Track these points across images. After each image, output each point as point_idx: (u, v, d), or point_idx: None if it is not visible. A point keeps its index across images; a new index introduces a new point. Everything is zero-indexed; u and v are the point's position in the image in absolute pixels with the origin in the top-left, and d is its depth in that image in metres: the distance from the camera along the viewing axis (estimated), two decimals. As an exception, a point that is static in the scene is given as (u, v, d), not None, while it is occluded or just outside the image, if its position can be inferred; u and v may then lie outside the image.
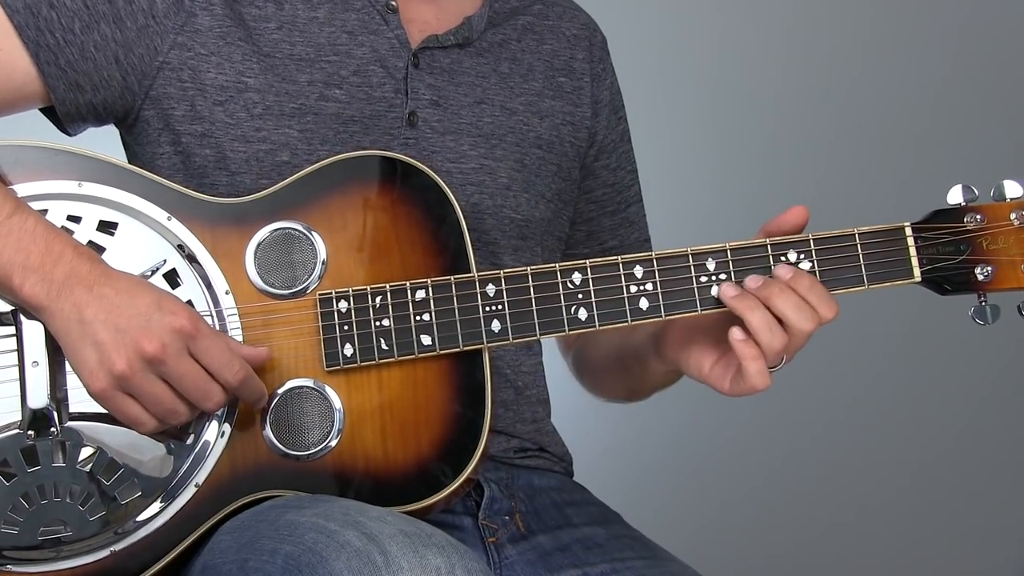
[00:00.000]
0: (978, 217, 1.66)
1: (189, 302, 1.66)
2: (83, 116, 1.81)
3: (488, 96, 1.90)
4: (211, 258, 1.69)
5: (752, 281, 1.66)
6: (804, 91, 3.69)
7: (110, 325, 1.55)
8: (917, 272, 1.68)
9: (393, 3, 1.88)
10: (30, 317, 1.61)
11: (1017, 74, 3.72)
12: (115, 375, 1.55)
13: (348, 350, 1.67)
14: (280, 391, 1.67)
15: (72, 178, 1.69)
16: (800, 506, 3.71)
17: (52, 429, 1.61)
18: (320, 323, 1.67)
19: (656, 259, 1.68)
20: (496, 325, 1.68)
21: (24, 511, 1.61)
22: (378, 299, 1.67)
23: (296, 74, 1.80)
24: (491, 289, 1.68)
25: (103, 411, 1.61)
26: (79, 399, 1.62)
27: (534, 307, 1.68)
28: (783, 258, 1.68)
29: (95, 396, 1.58)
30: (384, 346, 1.67)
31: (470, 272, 1.69)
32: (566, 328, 1.68)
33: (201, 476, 1.64)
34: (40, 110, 1.81)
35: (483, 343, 1.67)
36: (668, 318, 1.69)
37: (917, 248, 1.67)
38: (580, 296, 1.68)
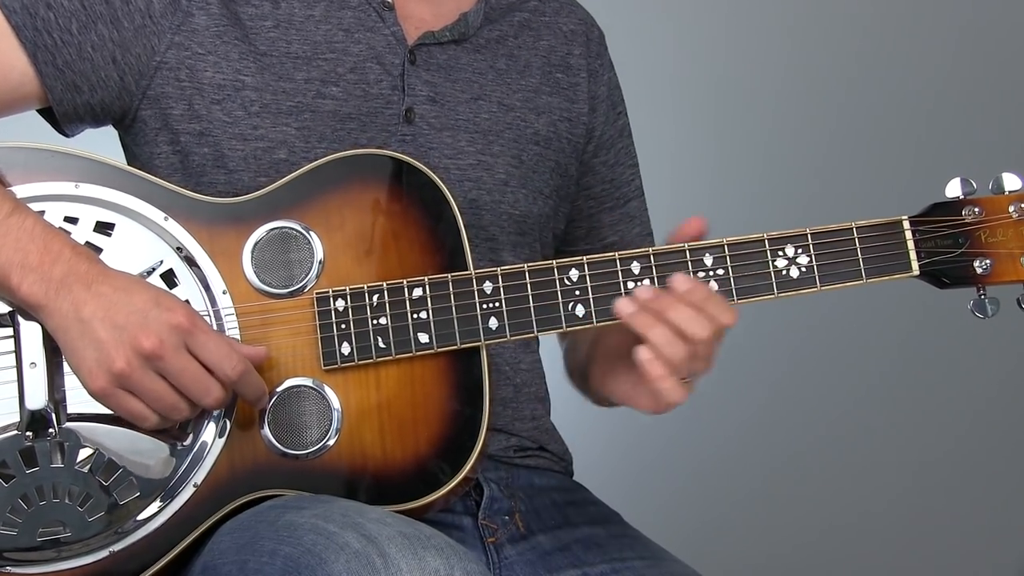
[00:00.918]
0: (976, 210, 1.67)
1: (186, 302, 1.66)
2: (80, 117, 1.81)
3: (485, 92, 1.91)
4: (208, 258, 1.69)
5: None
6: (802, 85, 3.69)
7: (108, 323, 1.55)
8: (915, 266, 1.68)
9: (389, 0, 1.88)
10: (28, 318, 1.61)
11: (1015, 68, 3.72)
12: (114, 373, 1.55)
13: (346, 349, 1.67)
14: (278, 390, 1.67)
15: (69, 179, 1.69)
16: (800, 506, 3.71)
17: (50, 430, 1.61)
18: (317, 322, 1.67)
19: (653, 255, 1.68)
20: (493, 322, 1.68)
21: (23, 512, 1.60)
22: (375, 297, 1.67)
23: (293, 72, 1.80)
24: (488, 286, 1.68)
25: (102, 412, 1.61)
26: (77, 400, 1.62)
27: (531, 304, 1.68)
28: (780, 252, 1.68)
29: (95, 394, 1.58)
30: (382, 344, 1.67)
31: (467, 270, 1.68)
32: (563, 325, 1.68)
33: (200, 476, 1.64)
34: (38, 111, 1.82)
35: (480, 340, 1.67)
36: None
37: (915, 242, 1.68)
38: (577, 292, 1.68)
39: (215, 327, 1.67)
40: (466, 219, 1.71)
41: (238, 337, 1.67)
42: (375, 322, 1.67)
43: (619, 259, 1.68)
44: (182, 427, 1.64)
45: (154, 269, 1.67)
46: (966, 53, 3.73)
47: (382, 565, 1.42)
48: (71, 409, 1.63)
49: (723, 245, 1.68)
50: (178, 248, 1.68)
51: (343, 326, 1.67)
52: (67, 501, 1.61)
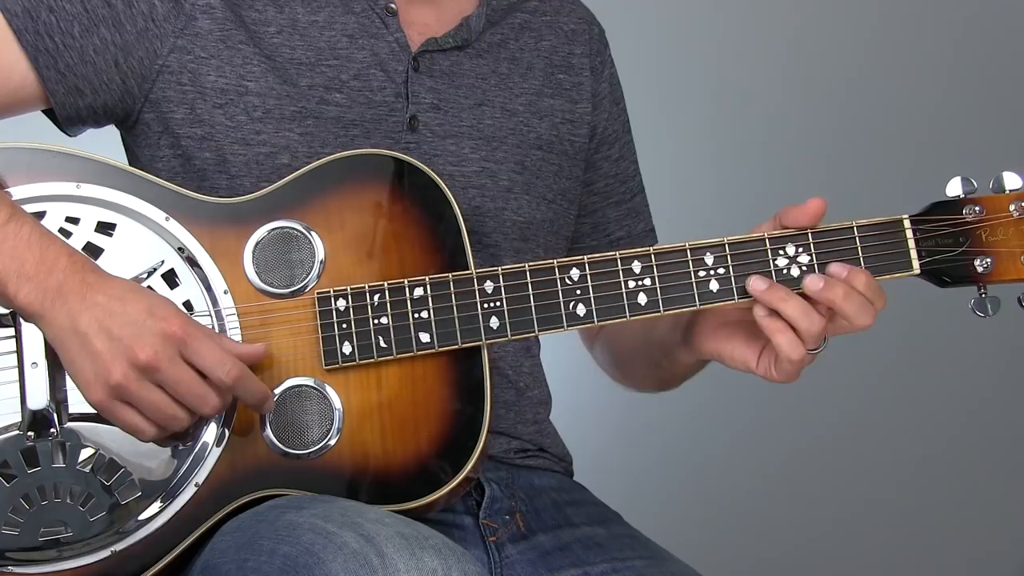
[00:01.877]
0: (977, 209, 1.67)
1: (188, 302, 1.67)
2: (83, 119, 1.81)
3: (488, 98, 1.90)
4: (209, 258, 1.69)
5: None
6: (803, 84, 3.69)
7: (103, 335, 1.55)
8: (916, 264, 1.68)
9: (392, 6, 1.87)
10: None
11: (1016, 67, 3.72)
12: (112, 385, 1.55)
13: (347, 348, 1.67)
14: (279, 390, 1.67)
15: (70, 179, 1.69)
16: (800, 506, 3.71)
17: (52, 430, 1.62)
18: (319, 322, 1.68)
19: (654, 254, 1.68)
20: (494, 322, 1.68)
21: (24, 512, 1.61)
22: (376, 297, 1.67)
23: (296, 78, 1.80)
24: (489, 286, 1.68)
25: (102, 412, 1.62)
26: (79, 400, 1.62)
27: (532, 303, 1.68)
28: (781, 252, 1.68)
29: (94, 406, 1.58)
30: (383, 344, 1.67)
31: (468, 269, 1.68)
32: (564, 324, 1.68)
33: (201, 476, 1.64)
34: (41, 111, 1.81)
35: (481, 340, 1.67)
36: (667, 313, 1.69)
37: (916, 240, 1.68)
38: (578, 292, 1.68)
39: (216, 327, 1.67)
40: (470, 227, 1.72)
41: (239, 337, 1.67)
42: (376, 322, 1.67)
43: (620, 258, 1.68)
44: (180, 433, 1.63)
45: (155, 269, 1.67)
46: (966, 53, 3.73)
47: (379, 565, 1.42)
48: (72, 409, 1.63)
49: (724, 244, 1.68)
50: (179, 248, 1.68)
51: (344, 326, 1.67)
52: (68, 501, 1.62)
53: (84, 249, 1.65)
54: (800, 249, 1.68)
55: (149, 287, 1.66)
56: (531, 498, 1.89)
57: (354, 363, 1.67)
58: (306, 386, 1.67)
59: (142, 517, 1.63)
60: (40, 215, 1.65)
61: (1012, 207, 1.66)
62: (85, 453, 1.62)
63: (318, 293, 1.68)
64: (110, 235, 1.68)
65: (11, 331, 1.64)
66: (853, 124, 3.71)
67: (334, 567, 1.43)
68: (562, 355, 2.24)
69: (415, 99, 1.85)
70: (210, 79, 1.78)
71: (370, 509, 1.56)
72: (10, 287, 1.57)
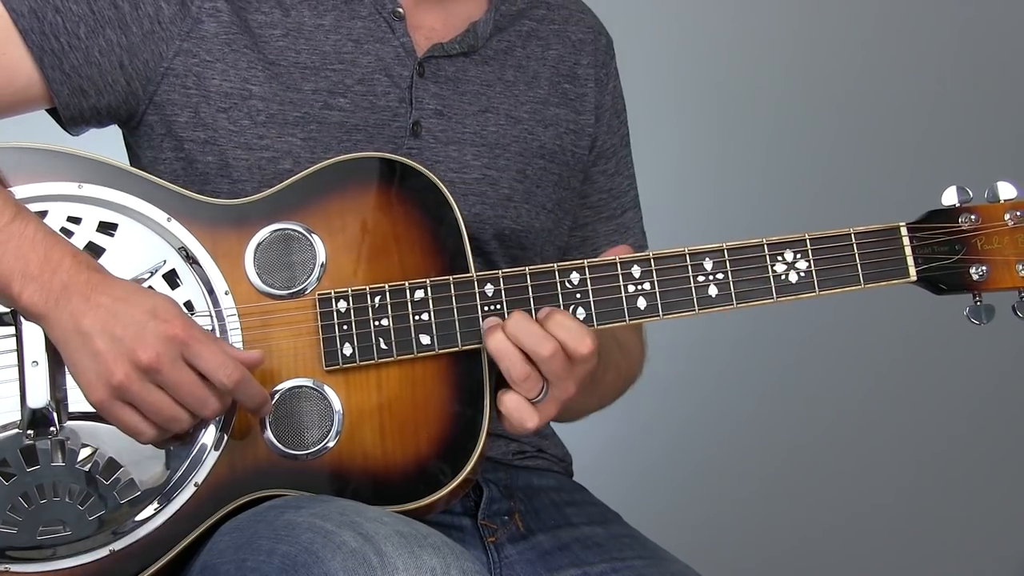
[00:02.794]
0: (972, 217, 1.67)
1: (188, 303, 1.67)
2: (86, 119, 1.81)
3: (493, 105, 1.90)
4: (211, 259, 1.69)
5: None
6: (801, 93, 3.70)
7: (106, 335, 1.56)
8: (913, 271, 1.68)
9: (400, 10, 1.87)
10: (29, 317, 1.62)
11: (1011, 76, 3.72)
12: (113, 385, 1.56)
13: (347, 350, 1.67)
14: (279, 391, 1.67)
15: (72, 179, 1.69)
16: (800, 506, 3.71)
17: (51, 429, 1.62)
18: (319, 323, 1.68)
19: (653, 259, 1.69)
20: (495, 324, 1.68)
21: (23, 511, 1.61)
22: (377, 299, 1.68)
23: (301, 82, 1.80)
24: (490, 289, 1.68)
25: (102, 411, 1.62)
26: (78, 399, 1.62)
27: (532, 307, 1.68)
28: (780, 257, 1.68)
29: (95, 406, 1.58)
30: (383, 346, 1.67)
31: (468, 272, 1.69)
32: None
33: (200, 475, 1.65)
34: (45, 110, 1.81)
35: (482, 342, 1.67)
36: (666, 317, 1.69)
37: (912, 248, 1.68)
38: (578, 296, 1.68)
39: (217, 328, 1.67)
40: (468, 232, 1.72)
41: (240, 338, 1.68)
42: (377, 323, 1.67)
43: (619, 262, 1.69)
44: (179, 434, 1.64)
45: (157, 270, 1.68)
46: (963, 61, 3.74)
47: (378, 563, 1.42)
48: (72, 408, 1.63)
49: (723, 250, 1.69)
50: (181, 249, 1.69)
51: (345, 327, 1.67)
52: (67, 500, 1.62)
53: (86, 249, 1.66)
54: (798, 255, 1.68)
55: (150, 287, 1.66)
56: (530, 498, 1.89)
57: (354, 364, 1.67)
58: (306, 387, 1.68)
59: (141, 517, 1.64)
60: (42, 215, 1.65)
61: (1007, 216, 1.67)
62: (84, 452, 1.63)
63: (319, 294, 1.68)
64: (112, 235, 1.68)
65: (11, 329, 1.64)
66: (851, 133, 3.71)
67: (333, 566, 1.44)
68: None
69: (419, 105, 1.85)
70: (214, 83, 1.78)
71: (369, 508, 1.56)
72: (15, 287, 1.57)
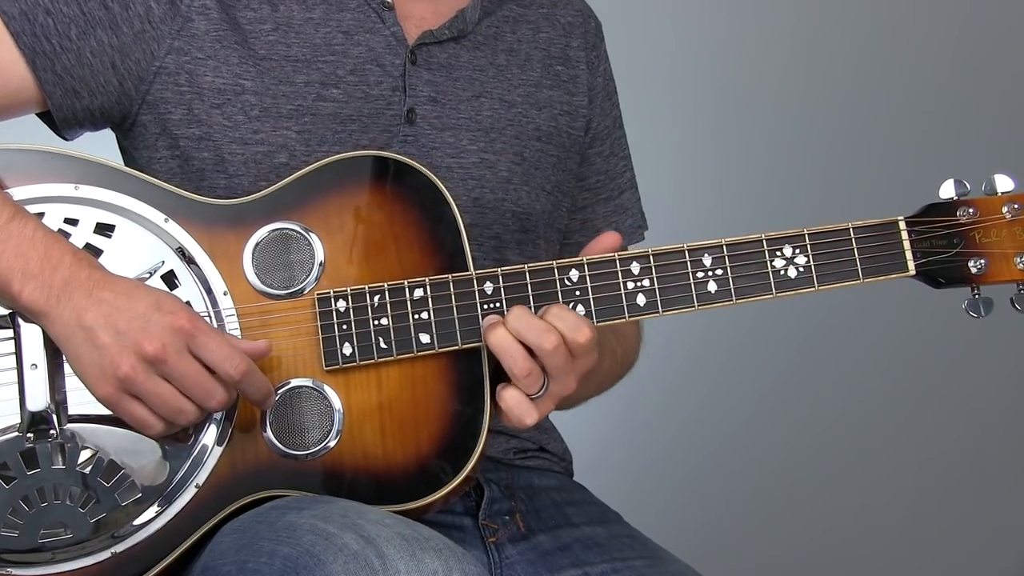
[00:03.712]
0: (970, 211, 1.68)
1: (187, 303, 1.66)
2: (80, 121, 1.81)
3: (486, 89, 1.91)
4: (209, 259, 1.69)
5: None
6: (800, 88, 3.70)
7: (110, 329, 1.56)
8: (911, 265, 1.68)
9: (389, 0, 1.88)
10: (28, 320, 1.61)
11: (1008, 70, 3.73)
12: (119, 378, 1.55)
13: (347, 349, 1.67)
14: (279, 391, 1.67)
15: (69, 181, 1.69)
16: (800, 506, 3.71)
17: (51, 432, 1.62)
18: (319, 323, 1.68)
19: (653, 255, 1.69)
20: (494, 322, 1.68)
21: (24, 514, 1.61)
22: (376, 298, 1.68)
23: (293, 75, 1.81)
24: (489, 287, 1.68)
25: (103, 413, 1.61)
26: (78, 401, 1.62)
27: (532, 304, 1.67)
28: (779, 253, 1.68)
29: (101, 400, 1.58)
30: (383, 345, 1.67)
31: (468, 270, 1.69)
32: None
33: (201, 477, 1.65)
34: (36, 114, 1.81)
35: (481, 341, 1.67)
36: (665, 314, 1.69)
37: (911, 242, 1.68)
38: (578, 293, 1.68)
39: (217, 328, 1.67)
40: (471, 218, 1.72)
41: (240, 338, 1.67)
42: (376, 323, 1.67)
43: (619, 259, 1.69)
44: (184, 429, 1.64)
45: (155, 270, 1.67)
46: (961, 57, 3.74)
47: (380, 566, 1.42)
48: (72, 410, 1.63)
49: (721, 245, 1.69)
50: (179, 249, 1.69)
51: (344, 327, 1.67)
52: (68, 503, 1.62)
53: (83, 250, 1.65)
54: (797, 250, 1.68)
55: None
56: (531, 498, 1.89)
57: (354, 364, 1.67)
58: (306, 387, 1.68)
59: (142, 519, 1.63)
60: (39, 216, 1.65)
61: (1005, 209, 1.67)
62: (85, 455, 1.62)
63: (318, 294, 1.68)
64: (109, 236, 1.68)
65: (10, 332, 1.64)
66: (849, 128, 3.72)
67: (334, 568, 1.44)
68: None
69: (413, 92, 1.85)
70: (207, 79, 1.78)
71: (370, 510, 1.56)
72: (15, 285, 1.57)
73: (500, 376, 1.65)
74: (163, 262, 1.68)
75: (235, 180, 1.77)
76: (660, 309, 1.68)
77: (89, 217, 1.68)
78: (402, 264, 1.70)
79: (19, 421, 1.62)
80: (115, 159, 1.82)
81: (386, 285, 1.68)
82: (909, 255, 1.68)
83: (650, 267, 1.69)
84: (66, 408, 1.63)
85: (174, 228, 1.69)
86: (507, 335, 1.62)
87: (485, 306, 1.68)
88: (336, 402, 1.67)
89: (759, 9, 3.71)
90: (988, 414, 3.75)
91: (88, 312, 1.56)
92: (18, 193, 1.67)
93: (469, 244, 1.70)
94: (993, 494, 3.76)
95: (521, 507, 1.87)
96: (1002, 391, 3.75)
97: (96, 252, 1.66)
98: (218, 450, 1.65)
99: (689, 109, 3.71)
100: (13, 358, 1.64)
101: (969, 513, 3.75)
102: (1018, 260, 1.66)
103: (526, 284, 1.68)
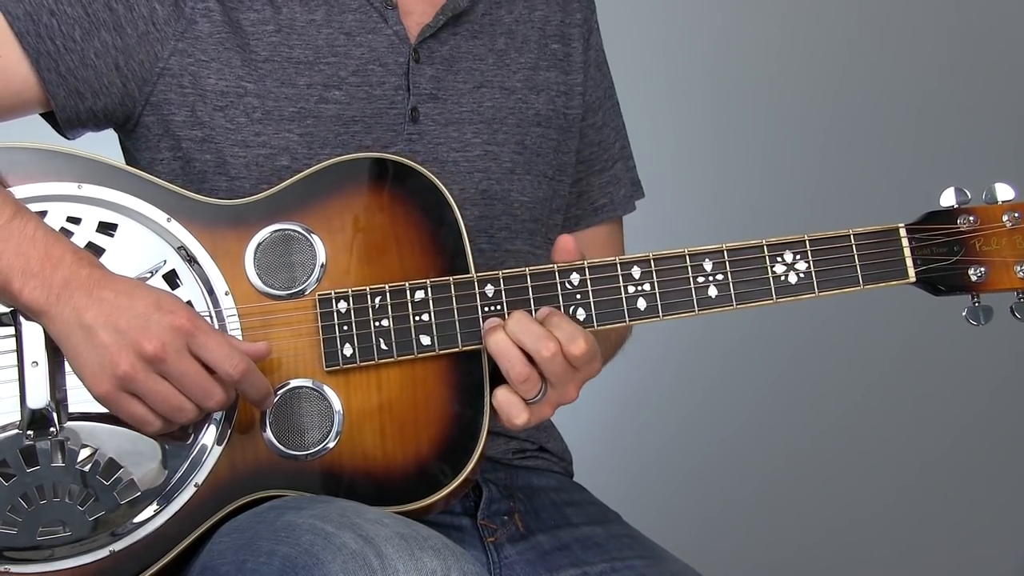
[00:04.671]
0: (971, 219, 1.68)
1: (189, 303, 1.66)
2: (83, 122, 1.81)
3: (487, 79, 1.90)
4: (210, 259, 1.69)
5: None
6: (801, 94, 3.70)
7: (110, 328, 1.56)
8: (912, 272, 1.68)
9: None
10: (29, 317, 1.61)
11: (1009, 77, 3.73)
12: (118, 376, 1.56)
13: (347, 350, 1.67)
14: (279, 391, 1.67)
15: (71, 180, 1.69)
16: (800, 506, 3.72)
17: (51, 429, 1.62)
18: (319, 323, 1.68)
19: (654, 260, 1.69)
20: (495, 325, 1.68)
21: (23, 511, 1.61)
22: (377, 299, 1.68)
23: (295, 77, 1.81)
24: (490, 289, 1.68)
25: (103, 411, 1.62)
26: (78, 399, 1.62)
27: (533, 307, 1.68)
28: (779, 258, 1.68)
29: (100, 399, 1.59)
30: (383, 346, 1.67)
31: (469, 272, 1.69)
32: None
33: (201, 476, 1.65)
34: (40, 113, 1.82)
35: (482, 343, 1.67)
36: (666, 318, 1.69)
37: (911, 249, 1.68)
38: (578, 296, 1.68)
39: (217, 328, 1.67)
40: (480, 210, 1.72)
41: (240, 339, 1.67)
42: (377, 324, 1.68)
43: (620, 263, 1.69)
44: (183, 427, 1.64)
45: (157, 270, 1.67)
46: (962, 62, 3.74)
47: (379, 566, 1.42)
48: (72, 408, 1.63)
49: (723, 251, 1.69)
50: (180, 249, 1.69)
51: (345, 328, 1.68)
52: (67, 500, 1.62)
53: (86, 249, 1.65)
54: (798, 256, 1.68)
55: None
56: (530, 498, 1.89)
57: (355, 365, 1.67)
58: (306, 388, 1.68)
59: (141, 517, 1.64)
60: (41, 215, 1.65)
61: (1005, 217, 1.67)
62: (84, 453, 1.62)
63: (319, 295, 1.68)
64: (111, 235, 1.68)
65: (11, 330, 1.64)
66: (849, 133, 3.72)
67: (333, 568, 1.44)
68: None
69: (416, 90, 1.85)
70: (210, 82, 1.79)
71: (369, 510, 1.56)
72: (15, 284, 1.57)
73: (500, 378, 1.65)
74: (165, 261, 1.68)
75: (237, 183, 1.77)
76: (661, 314, 1.69)
77: (92, 216, 1.68)
78: (403, 266, 1.70)
79: (19, 418, 1.62)
80: (117, 158, 1.82)
81: (387, 286, 1.68)
82: (909, 262, 1.68)
83: (651, 271, 1.69)
84: (66, 406, 1.63)
85: (176, 228, 1.69)
86: (506, 339, 1.63)
87: (486, 308, 1.68)
88: (336, 403, 1.67)
89: (760, 13, 3.71)
90: (987, 418, 3.75)
91: (88, 311, 1.56)
92: (21, 191, 1.67)
93: (471, 244, 1.70)
94: (993, 494, 3.76)
95: (520, 507, 1.87)
96: (1000, 396, 3.75)
97: (98, 251, 1.66)
98: (217, 450, 1.65)
99: (691, 113, 3.71)
100: (14, 355, 1.64)
101: (969, 513, 3.75)
102: (1018, 268, 1.66)
103: (527, 287, 1.68)
